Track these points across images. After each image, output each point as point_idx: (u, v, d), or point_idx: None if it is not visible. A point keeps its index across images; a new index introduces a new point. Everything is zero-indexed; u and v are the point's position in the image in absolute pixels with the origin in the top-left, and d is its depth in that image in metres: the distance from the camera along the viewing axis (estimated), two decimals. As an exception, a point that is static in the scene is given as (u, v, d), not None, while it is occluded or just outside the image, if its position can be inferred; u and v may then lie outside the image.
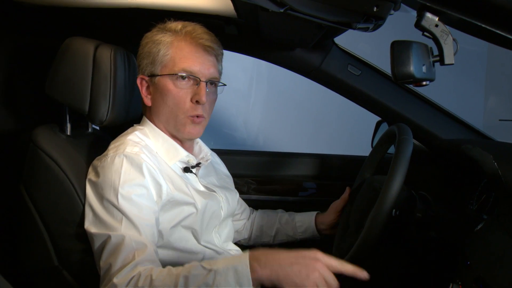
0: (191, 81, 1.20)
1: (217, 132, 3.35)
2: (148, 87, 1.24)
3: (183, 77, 1.19)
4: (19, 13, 1.37)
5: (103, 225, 1.07)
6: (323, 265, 0.92)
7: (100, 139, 1.41)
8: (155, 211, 1.12)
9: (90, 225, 1.10)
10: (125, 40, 1.44)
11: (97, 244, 1.07)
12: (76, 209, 1.17)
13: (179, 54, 1.19)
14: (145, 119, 1.29)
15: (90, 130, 1.45)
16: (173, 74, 1.19)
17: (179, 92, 1.19)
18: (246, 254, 0.94)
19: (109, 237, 1.04)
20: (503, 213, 1.04)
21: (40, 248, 1.21)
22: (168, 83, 1.20)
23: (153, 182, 1.13)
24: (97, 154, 1.21)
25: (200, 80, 1.20)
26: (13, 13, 1.36)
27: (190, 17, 1.26)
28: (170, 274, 0.96)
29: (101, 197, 1.10)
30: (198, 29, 1.22)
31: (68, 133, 1.31)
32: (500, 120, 3.57)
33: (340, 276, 1.46)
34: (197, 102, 1.20)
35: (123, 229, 1.04)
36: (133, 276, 0.97)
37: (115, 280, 0.97)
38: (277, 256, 0.93)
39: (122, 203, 1.06)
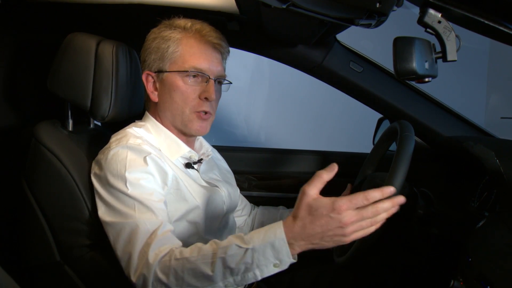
0: (200, 79, 1.22)
1: (218, 129, 3.35)
2: (154, 83, 1.25)
3: (193, 75, 1.20)
4: (21, 9, 1.37)
5: (117, 214, 1.07)
6: (348, 212, 0.87)
7: (102, 135, 1.41)
8: (163, 195, 1.12)
9: (104, 215, 1.10)
10: (127, 36, 1.43)
11: (113, 233, 1.07)
12: (77, 204, 1.17)
13: (189, 51, 1.21)
14: (147, 114, 1.29)
15: (92, 126, 1.45)
16: (183, 71, 1.20)
17: (188, 89, 1.21)
18: (280, 225, 0.93)
19: (123, 225, 1.04)
20: (505, 210, 1.05)
21: (42, 243, 1.21)
22: (177, 80, 1.20)
23: (158, 169, 1.14)
24: (98, 150, 1.21)
25: (209, 78, 1.21)
26: (15, 9, 1.36)
27: (192, 13, 1.26)
28: (204, 254, 0.95)
29: (110, 188, 1.10)
30: (206, 27, 1.23)
31: (70, 129, 1.31)
32: (502, 118, 3.57)
33: (342, 273, 1.46)
34: (206, 99, 1.21)
35: (137, 215, 1.04)
36: (166, 254, 0.97)
37: (149, 259, 0.97)
38: (309, 227, 0.90)
39: (132, 190, 1.07)
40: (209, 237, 1.26)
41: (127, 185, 1.07)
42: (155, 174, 1.13)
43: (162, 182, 1.14)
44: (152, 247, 0.99)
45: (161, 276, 0.96)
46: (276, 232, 0.92)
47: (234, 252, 0.92)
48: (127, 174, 1.08)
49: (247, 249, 0.92)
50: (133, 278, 0.99)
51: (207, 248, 0.96)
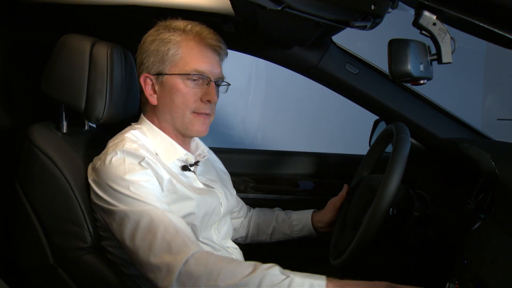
0: (201, 81, 1.22)
1: (215, 130, 3.34)
2: (153, 86, 1.24)
3: (194, 78, 1.20)
4: (15, 9, 1.36)
5: (121, 213, 1.07)
6: None
7: (96, 137, 1.41)
8: (164, 196, 1.13)
9: (110, 219, 1.09)
10: (122, 37, 1.43)
11: (128, 226, 1.05)
12: (71, 207, 1.16)
13: (189, 54, 1.21)
14: (143, 117, 1.29)
15: (86, 127, 1.44)
16: (185, 74, 1.20)
17: (189, 92, 1.21)
18: (323, 276, 0.98)
19: (140, 215, 1.04)
20: (500, 212, 1.04)
21: (35, 246, 1.20)
22: (178, 82, 1.21)
23: (154, 173, 1.14)
24: (93, 152, 1.20)
25: (211, 80, 1.22)
26: (8, 9, 1.35)
27: (188, 14, 1.26)
28: (244, 266, 0.98)
29: (112, 191, 1.09)
30: (205, 29, 1.23)
31: (64, 131, 1.31)
32: (498, 119, 3.58)
33: (338, 275, 1.46)
34: (208, 101, 1.22)
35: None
36: (202, 250, 1.01)
37: (180, 248, 1.00)
38: (351, 282, 1.00)
39: (134, 190, 1.07)
40: (205, 240, 1.26)
41: (130, 186, 1.07)
42: (153, 177, 1.13)
43: (159, 186, 1.14)
44: (181, 236, 1.02)
45: (194, 268, 0.97)
46: (319, 277, 0.97)
47: (275, 273, 0.95)
48: (127, 177, 1.08)
49: (288, 276, 0.95)
50: (152, 264, 1.00)
51: (247, 262, 1.00)
